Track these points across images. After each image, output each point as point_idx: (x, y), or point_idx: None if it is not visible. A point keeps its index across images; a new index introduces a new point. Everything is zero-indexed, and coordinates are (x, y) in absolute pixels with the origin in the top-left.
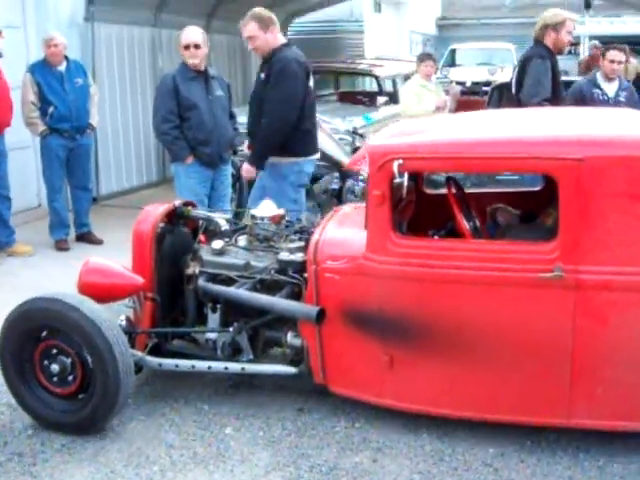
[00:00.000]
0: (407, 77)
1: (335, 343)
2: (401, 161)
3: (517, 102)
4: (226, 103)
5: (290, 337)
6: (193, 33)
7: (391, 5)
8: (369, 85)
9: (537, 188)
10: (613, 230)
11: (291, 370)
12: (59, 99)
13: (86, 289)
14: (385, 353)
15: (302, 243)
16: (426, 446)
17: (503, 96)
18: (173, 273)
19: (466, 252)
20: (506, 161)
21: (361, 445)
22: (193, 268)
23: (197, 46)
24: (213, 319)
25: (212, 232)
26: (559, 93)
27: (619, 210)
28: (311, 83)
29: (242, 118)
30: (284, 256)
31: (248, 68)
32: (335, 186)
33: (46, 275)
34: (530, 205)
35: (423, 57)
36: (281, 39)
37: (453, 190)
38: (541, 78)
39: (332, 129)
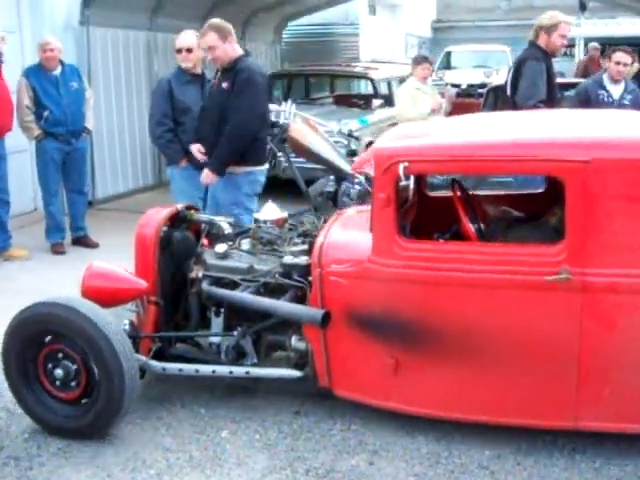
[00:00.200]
0: (402, 80)
1: (340, 346)
2: (407, 164)
3: (512, 104)
4: None
5: (294, 340)
6: (186, 37)
7: (386, 8)
8: (364, 88)
9: (540, 190)
10: (620, 232)
11: (296, 374)
12: (54, 103)
13: (90, 293)
14: (390, 356)
15: (306, 246)
16: (422, 448)
17: (498, 98)
18: (176, 277)
19: (472, 255)
20: (513, 163)
21: (357, 448)
22: (196, 272)
23: (189, 50)
24: (216, 323)
25: (215, 236)
26: (554, 95)
27: (626, 212)
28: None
29: None
30: (288, 259)
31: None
32: (330, 189)
33: (43, 279)
34: (533, 207)
35: (420, 60)
36: (239, 49)
37: (458, 193)
38: (536, 80)
39: (327, 132)
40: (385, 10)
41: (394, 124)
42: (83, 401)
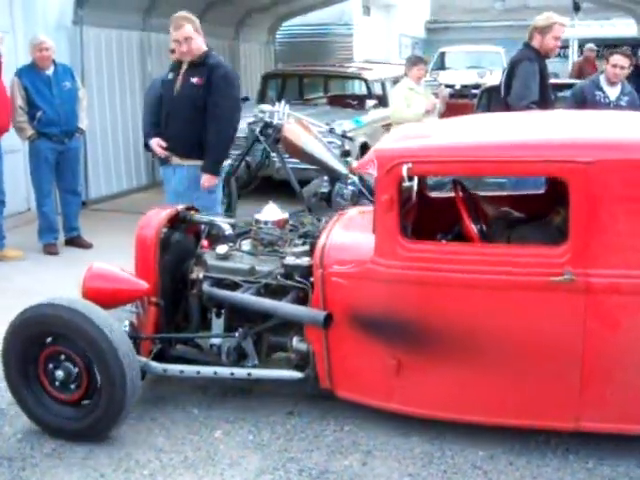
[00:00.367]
0: (396, 80)
1: (342, 348)
2: (410, 165)
3: (505, 105)
4: None
5: (295, 342)
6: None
7: (380, 8)
8: (358, 88)
9: (540, 191)
10: (623, 233)
11: (297, 375)
12: (47, 103)
13: (90, 294)
14: (393, 358)
15: (307, 247)
16: (416, 449)
17: (492, 99)
18: (176, 278)
19: (476, 256)
20: (517, 164)
21: (351, 448)
22: (197, 273)
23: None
24: (217, 324)
25: (215, 236)
26: (548, 96)
27: (629, 213)
28: None
29: None
30: (290, 260)
31: (237, 71)
32: (324, 189)
33: (37, 280)
34: (532, 208)
35: (416, 60)
36: (204, 44)
37: (460, 194)
38: (528, 81)
39: (321, 132)
40: (379, 10)
41: (388, 125)
42: (84, 403)
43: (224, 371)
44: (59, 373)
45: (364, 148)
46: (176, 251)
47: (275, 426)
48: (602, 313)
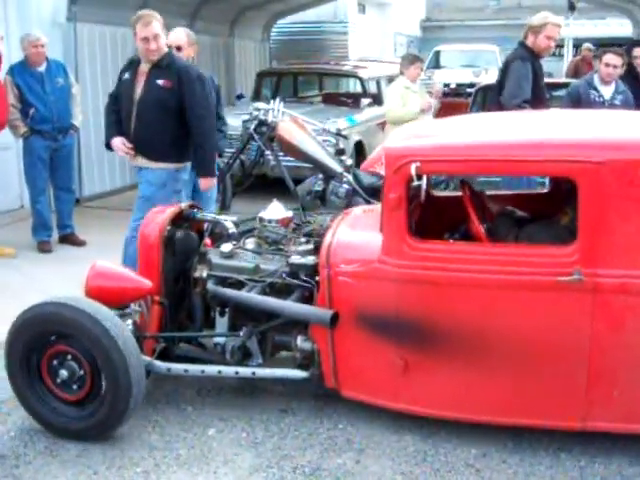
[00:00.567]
0: (391, 79)
1: (348, 347)
2: (419, 164)
3: (499, 104)
4: (212, 105)
5: (300, 341)
6: (175, 35)
7: (375, 6)
8: (353, 87)
9: (544, 190)
10: (632, 233)
11: (302, 374)
12: (39, 100)
13: (93, 293)
14: (400, 357)
15: (311, 246)
16: (409, 447)
17: (487, 98)
18: (179, 276)
19: (484, 256)
20: (526, 164)
21: (344, 446)
22: (200, 271)
23: (179, 48)
24: (221, 323)
25: (218, 235)
26: (542, 95)
27: (639, 214)
28: None
29: (229, 120)
30: (295, 259)
31: (231, 69)
32: (318, 188)
33: (30, 277)
34: (536, 207)
35: (413, 59)
36: None
37: (467, 193)
38: (520, 80)
39: (315, 130)
40: (374, 9)
41: (383, 123)
42: (88, 403)
43: (229, 370)
44: (63, 372)
45: (358, 146)
46: (179, 249)
47: (269, 424)
48: (610, 313)
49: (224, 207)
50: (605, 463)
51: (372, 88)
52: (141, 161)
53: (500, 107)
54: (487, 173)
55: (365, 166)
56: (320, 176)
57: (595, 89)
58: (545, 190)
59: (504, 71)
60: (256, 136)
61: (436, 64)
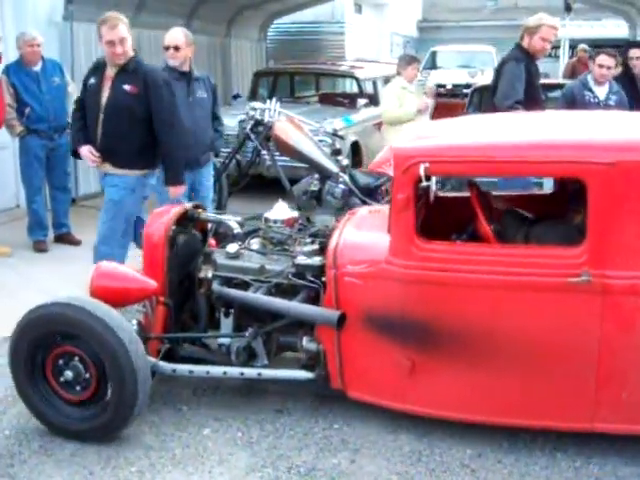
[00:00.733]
0: (387, 79)
1: (354, 348)
2: (428, 164)
3: (493, 105)
4: (208, 105)
5: (306, 342)
6: (173, 35)
7: (372, 7)
8: (349, 87)
9: (549, 191)
10: None
11: (308, 375)
12: (35, 100)
13: (98, 293)
14: (407, 358)
15: (316, 246)
16: (404, 447)
17: (483, 99)
18: (183, 277)
19: (492, 257)
20: (536, 165)
21: (340, 446)
22: (205, 272)
23: (177, 48)
24: (226, 324)
25: (222, 235)
26: (537, 96)
27: None
28: None
29: (225, 120)
30: (301, 260)
31: (228, 69)
32: (314, 188)
33: (27, 276)
34: (541, 208)
35: (410, 60)
36: None
37: (475, 193)
38: (513, 81)
39: (312, 130)
40: (371, 9)
41: (379, 124)
42: (94, 404)
43: (234, 371)
44: (68, 373)
45: (355, 147)
46: (184, 250)
47: (264, 424)
48: (619, 314)
49: (220, 207)
50: (600, 464)
51: (368, 88)
52: (108, 168)
53: (495, 108)
54: (496, 174)
55: (373, 166)
56: (316, 176)
57: (590, 90)
58: (549, 191)
59: (498, 72)
60: (252, 136)
61: (432, 65)
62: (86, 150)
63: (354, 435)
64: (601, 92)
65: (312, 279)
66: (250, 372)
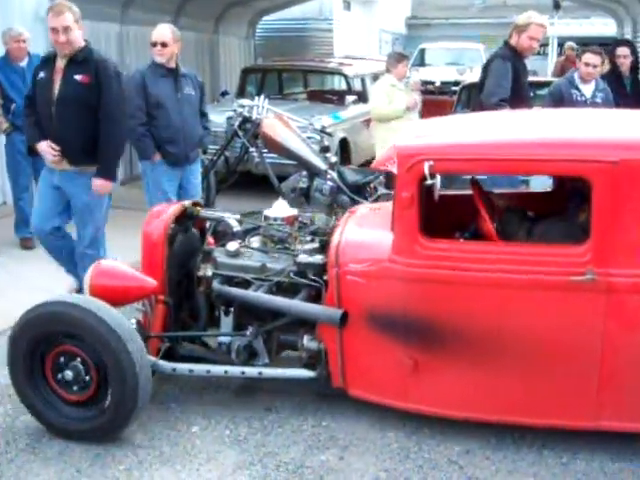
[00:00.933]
0: (376, 76)
1: (356, 346)
2: (432, 162)
3: (481, 102)
4: (196, 102)
5: (306, 340)
6: (160, 31)
7: (361, 3)
8: (338, 84)
9: (548, 189)
10: None
11: (309, 374)
12: (21, 96)
13: (97, 291)
14: (409, 357)
15: (316, 245)
16: (392, 444)
17: (472, 96)
18: (181, 275)
19: (496, 255)
20: (540, 163)
21: (328, 443)
22: (204, 270)
23: (164, 44)
24: (226, 322)
25: (221, 233)
26: (524, 94)
27: None
28: None
29: (211, 116)
30: (303, 258)
31: (216, 66)
32: (303, 185)
33: (13, 274)
34: (541, 206)
35: (400, 57)
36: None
37: (477, 191)
38: (500, 79)
39: (300, 127)
40: (359, 6)
41: (367, 120)
42: (94, 404)
43: (235, 370)
44: (68, 373)
45: (343, 143)
46: (183, 248)
47: (252, 421)
48: (623, 313)
49: (208, 204)
50: (587, 460)
51: (357, 85)
52: (68, 166)
53: (481, 105)
54: (501, 172)
55: (377, 164)
56: (304, 173)
57: (576, 88)
58: (548, 189)
59: (486, 69)
60: (240, 133)
61: (421, 62)
62: (45, 145)
63: (342, 432)
64: (587, 90)
65: (314, 277)
66: (251, 371)
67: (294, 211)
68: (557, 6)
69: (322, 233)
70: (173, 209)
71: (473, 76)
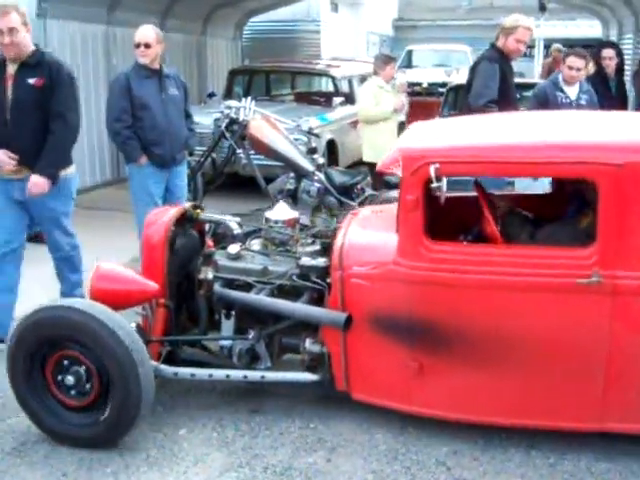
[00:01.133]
0: (363, 78)
1: (360, 350)
2: (438, 165)
3: (468, 104)
4: (180, 102)
5: (309, 343)
6: (143, 32)
7: (348, 5)
8: (325, 85)
9: (548, 191)
10: None
11: (312, 377)
12: None
13: (97, 295)
14: (414, 360)
15: (318, 247)
16: (380, 445)
17: (459, 98)
18: (181, 278)
19: (501, 257)
20: (545, 166)
21: (315, 445)
22: (205, 273)
23: (147, 45)
24: (227, 326)
25: (220, 236)
26: (512, 95)
27: None
28: None
29: (198, 118)
30: (306, 261)
31: (203, 67)
32: (290, 186)
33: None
34: (540, 209)
35: (388, 60)
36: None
37: (481, 194)
38: (487, 81)
39: (287, 129)
40: (347, 7)
41: (355, 122)
42: (96, 409)
43: (237, 374)
44: (69, 378)
45: (331, 145)
46: (183, 251)
47: (239, 424)
48: (629, 315)
49: None
50: (574, 460)
51: (344, 87)
52: (28, 173)
53: (468, 107)
54: (506, 175)
55: (382, 167)
56: (292, 175)
57: (561, 90)
58: (548, 191)
59: (473, 71)
60: (227, 134)
61: (408, 63)
62: (2, 154)
63: (330, 434)
64: (572, 92)
65: (317, 280)
66: (253, 375)
67: (295, 213)
68: (543, 8)
69: (324, 235)
70: (173, 212)
71: (460, 77)
